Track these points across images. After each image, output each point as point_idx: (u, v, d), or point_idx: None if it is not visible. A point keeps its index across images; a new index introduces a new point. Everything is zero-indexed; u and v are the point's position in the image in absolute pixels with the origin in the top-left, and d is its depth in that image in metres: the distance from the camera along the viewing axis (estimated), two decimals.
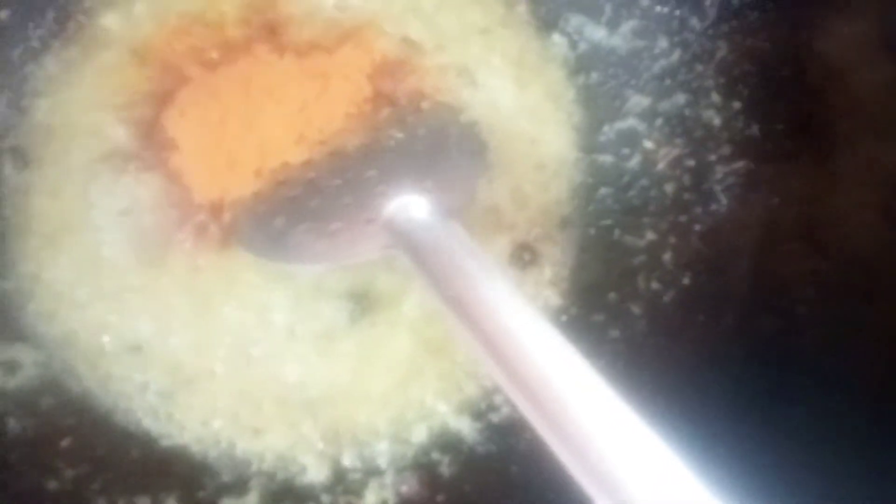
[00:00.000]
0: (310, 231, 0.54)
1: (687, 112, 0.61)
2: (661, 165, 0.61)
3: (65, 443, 0.55)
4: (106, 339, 0.58)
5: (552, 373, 0.40)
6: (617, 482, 0.36)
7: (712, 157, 0.60)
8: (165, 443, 0.56)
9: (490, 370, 0.44)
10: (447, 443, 0.57)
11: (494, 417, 0.58)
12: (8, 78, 0.62)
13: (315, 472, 0.56)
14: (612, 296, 0.59)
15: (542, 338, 0.42)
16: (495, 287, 0.45)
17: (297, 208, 0.56)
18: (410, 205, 0.54)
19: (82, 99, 0.63)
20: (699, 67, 0.61)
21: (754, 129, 0.59)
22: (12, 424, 0.54)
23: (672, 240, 0.60)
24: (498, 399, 0.58)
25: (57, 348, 0.57)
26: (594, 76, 0.64)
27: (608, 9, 0.64)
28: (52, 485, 0.53)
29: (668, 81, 0.62)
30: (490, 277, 0.46)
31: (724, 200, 0.59)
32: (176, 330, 0.58)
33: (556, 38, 0.65)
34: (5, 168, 0.60)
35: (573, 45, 0.65)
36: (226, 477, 0.56)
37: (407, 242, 0.51)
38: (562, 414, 0.39)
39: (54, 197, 0.60)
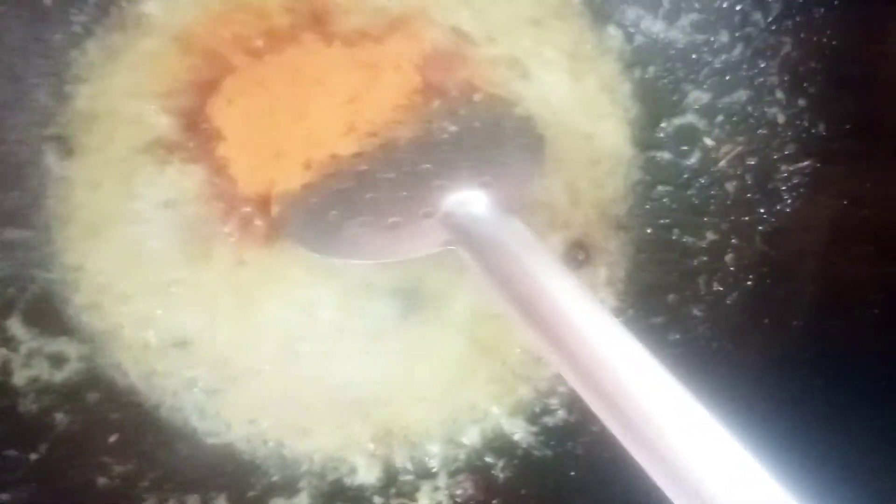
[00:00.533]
0: (366, 225, 0.53)
1: (749, 109, 0.60)
2: (722, 163, 0.59)
3: (112, 438, 0.53)
4: (151, 333, 0.57)
5: (619, 368, 0.39)
6: (697, 482, 0.35)
7: (776, 156, 0.58)
8: (213, 441, 0.55)
9: (556, 365, 0.43)
10: (501, 446, 0.56)
11: (549, 421, 0.57)
12: (50, 64, 0.61)
13: (366, 474, 0.55)
14: (671, 297, 0.58)
15: (607, 333, 0.41)
16: (560, 284, 0.44)
17: (352, 201, 0.54)
18: (469, 199, 0.52)
19: (125, 86, 0.61)
20: (762, 63, 0.59)
21: (820, 128, 0.57)
22: (60, 418, 0.53)
23: (734, 240, 0.58)
24: (553, 402, 0.57)
25: (102, 342, 0.56)
26: (651, 70, 0.62)
27: (666, 1, 0.62)
28: (102, 481, 0.52)
29: (729, 77, 0.60)
30: (555, 274, 0.45)
31: (788, 200, 0.57)
32: (222, 325, 0.57)
33: (612, 30, 0.63)
34: (48, 157, 0.59)
35: (629, 37, 0.63)
36: (275, 476, 0.55)
37: (467, 238, 0.50)
38: (632, 409, 0.38)
39: (97, 187, 0.59)
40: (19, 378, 0.54)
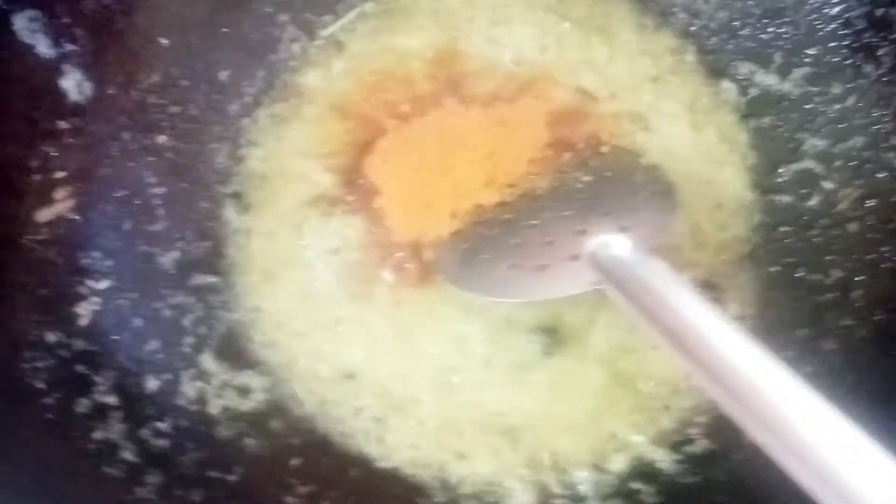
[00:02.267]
0: (516, 267, 0.58)
1: (866, 154, 0.63)
2: (842, 205, 0.63)
3: (294, 462, 0.60)
4: (322, 366, 0.64)
5: (769, 390, 0.42)
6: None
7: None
8: (381, 464, 0.61)
9: (707, 390, 0.46)
10: (647, 472, 0.60)
11: (691, 449, 0.60)
12: (227, 130, 0.70)
13: (521, 497, 0.59)
14: (801, 332, 0.61)
15: (754, 358, 0.44)
16: (708, 316, 0.48)
17: (500, 247, 0.60)
18: (611, 242, 0.57)
19: (291, 149, 0.69)
20: (876, 112, 0.63)
21: None
22: (250, 443, 0.60)
23: (860, 277, 0.61)
24: (693, 432, 0.60)
25: (280, 374, 0.63)
26: (767, 120, 0.67)
27: (778, 57, 0.67)
28: (290, 500, 0.58)
29: (844, 125, 0.64)
30: (701, 308, 0.49)
31: None
32: (384, 359, 0.63)
33: (726, 84, 0.68)
34: (228, 211, 0.67)
35: (743, 90, 0.68)
36: (438, 498, 0.60)
37: (613, 278, 0.55)
38: (786, 429, 0.40)
39: (271, 237, 0.67)
40: (214, 407, 0.61)
